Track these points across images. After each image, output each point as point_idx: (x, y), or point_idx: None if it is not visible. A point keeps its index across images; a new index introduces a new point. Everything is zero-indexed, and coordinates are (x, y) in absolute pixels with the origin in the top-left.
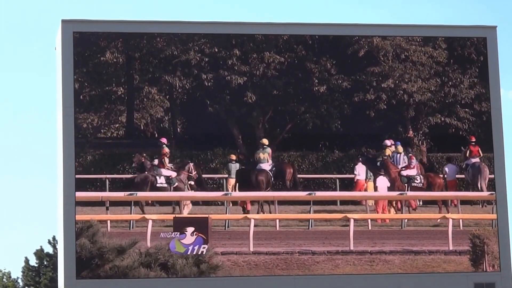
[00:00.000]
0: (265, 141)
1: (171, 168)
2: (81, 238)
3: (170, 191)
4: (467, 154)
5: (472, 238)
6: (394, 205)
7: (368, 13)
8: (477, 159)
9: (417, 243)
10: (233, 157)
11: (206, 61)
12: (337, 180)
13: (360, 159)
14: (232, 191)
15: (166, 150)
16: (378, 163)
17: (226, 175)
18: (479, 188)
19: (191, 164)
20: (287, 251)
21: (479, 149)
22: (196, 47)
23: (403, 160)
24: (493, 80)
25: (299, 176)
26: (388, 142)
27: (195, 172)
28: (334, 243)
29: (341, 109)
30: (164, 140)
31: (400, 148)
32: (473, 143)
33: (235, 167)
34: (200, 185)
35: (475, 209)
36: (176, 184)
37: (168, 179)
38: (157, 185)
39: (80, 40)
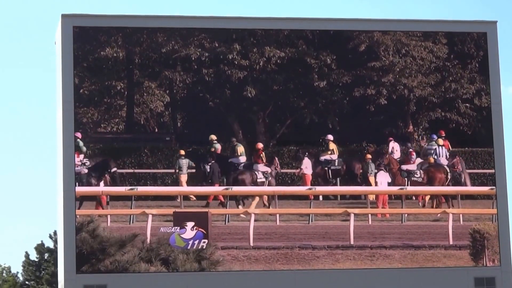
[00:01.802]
0: (213, 136)
1: (266, 163)
2: (82, 232)
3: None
4: None
5: (472, 233)
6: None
7: (369, 8)
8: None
9: (417, 237)
10: (182, 152)
11: (206, 56)
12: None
13: (306, 153)
14: (183, 186)
15: (261, 145)
16: (378, 162)
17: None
18: (465, 184)
19: (276, 158)
20: (287, 246)
21: (449, 143)
22: (196, 41)
23: (445, 153)
24: (493, 75)
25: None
26: (330, 136)
27: (279, 166)
28: (334, 238)
29: (341, 104)
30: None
31: (440, 141)
32: (443, 137)
33: (185, 162)
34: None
35: (475, 204)
36: (270, 178)
37: (264, 174)
38: (258, 180)
39: (80, 35)
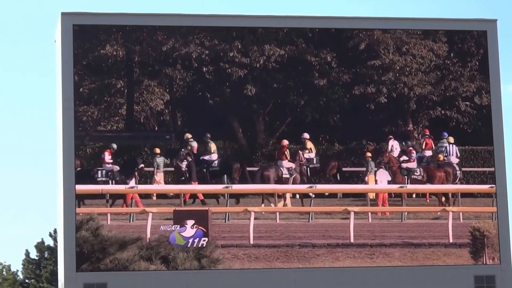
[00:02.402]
0: (188, 135)
1: (290, 160)
2: (81, 231)
3: (290, 182)
4: (423, 147)
5: (472, 231)
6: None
7: (369, 6)
8: (430, 152)
9: (417, 235)
10: (158, 150)
11: (206, 54)
12: (337, 174)
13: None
14: (161, 184)
15: (286, 142)
16: (378, 160)
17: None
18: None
19: (301, 153)
20: (288, 244)
21: (432, 142)
22: (196, 40)
23: (455, 151)
24: (493, 73)
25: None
26: (306, 135)
27: (305, 160)
28: (334, 236)
29: (341, 102)
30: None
31: (451, 139)
32: (427, 136)
33: (161, 161)
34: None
35: (475, 202)
36: (295, 175)
37: (289, 170)
38: (283, 176)
39: (79, 33)
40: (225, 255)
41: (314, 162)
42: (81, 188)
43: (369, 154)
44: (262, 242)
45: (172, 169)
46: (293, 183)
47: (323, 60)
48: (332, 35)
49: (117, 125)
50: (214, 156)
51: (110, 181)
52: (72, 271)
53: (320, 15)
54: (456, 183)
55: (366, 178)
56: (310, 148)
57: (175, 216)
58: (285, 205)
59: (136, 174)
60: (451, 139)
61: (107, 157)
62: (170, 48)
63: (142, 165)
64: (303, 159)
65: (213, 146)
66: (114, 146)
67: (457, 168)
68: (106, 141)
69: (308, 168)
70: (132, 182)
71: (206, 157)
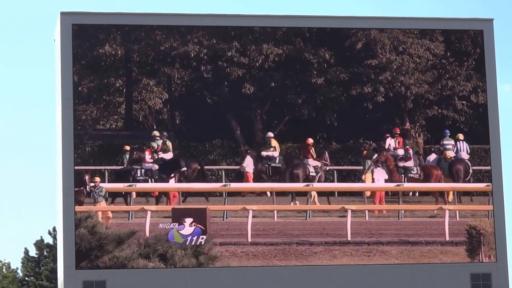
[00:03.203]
0: (156, 132)
1: (316, 158)
2: (80, 228)
3: (316, 181)
4: (396, 145)
5: (469, 229)
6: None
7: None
8: (402, 151)
9: (414, 234)
10: (127, 148)
11: (205, 53)
12: (335, 172)
13: (249, 151)
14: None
15: (311, 140)
16: (375, 157)
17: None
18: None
19: (327, 153)
20: (285, 242)
21: (403, 141)
22: (195, 39)
23: (466, 147)
24: (489, 72)
25: None
26: (270, 133)
27: (329, 161)
28: (331, 234)
29: (338, 101)
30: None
31: (461, 136)
32: (398, 134)
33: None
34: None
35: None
36: (320, 173)
37: (315, 168)
38: (310, 174)
39: (79, 32)
40: (223, 253)
41: (277, 161)
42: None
43: (366, 153)
44: (260, 240)
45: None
46: (318, 181)
47: (320, 59)
48: (329, 35)
49: (116, 124)
50: (169, 155)
51: (149, 180)
52: (72, 269)
53: (318, 15)
54: (469, 180)
55: (363, 177)
56: (275, 147)
57: (173, 214)
58: (312, 202)
59: (176, 176)
60: (461, 136)
61: (147, 156)
62: (168, 47)
63: (184, 169)
64: (327, 159)
65: (169, 144)
66: (154, 145)
67: (470, 165)
68: (105, 139)
69: (270, 167)
70: (172, 182)
71: (164, 155)
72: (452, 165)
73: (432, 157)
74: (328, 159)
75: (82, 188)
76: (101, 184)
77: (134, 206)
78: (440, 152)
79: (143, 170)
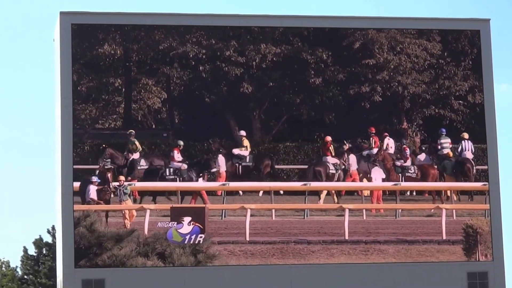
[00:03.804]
0: (133, 131)
1: (334, 156)
2: (79, 227)
3: (335, 179)
4: (372, 144)
5: (465, 228)
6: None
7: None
8: (376, 150)
9: (411, 232)
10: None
11: (203, 53)
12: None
13: (221, 150)
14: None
15: (329, 138)
16: (372, 158)
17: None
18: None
19: (346, 154)
20: (283, 241)
21: (378, 139)
22: (193, 39)
23: (471, 147)
24: (486, 72)
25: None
26: (243, 132)
27: (346, 159)
28: (329, 233)
29: (336, 101)
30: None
31: (466, 135)
32: (374, 134)
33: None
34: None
35: (466, 200)
36: (340, 171)
37: (335, 166)
38: (329, 172)
39: (78, 32)
40: (221, 252)
41: (247, 160)
42: (78, 185)
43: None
44: (258, 239)
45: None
46: (337, 180)
47: (318, 59)
48: (327, 35)
49: (115, 123)
50: (136, 155)
51: (178, 179)
52: (71, 267)
53: (316, 15)
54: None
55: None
56: (246, 146)
57: (172, 213)
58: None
59: (206, 175)
60: (466, 135)
61: (176, 155)
62: (167, 47)
63: (214, 169)
64: (346, 159)
65: (137, 144)
66: (181, 143)
67: (474, 164)
68: (104, 139)
69: (240, 166)
70: (200, 181)
71: (131, 155)
72: (462, 164)
73: (422, 156)
74: (347, 159)
75: (105, 185)
76: (126, 183)
77: (133, 205)
78: (430, 151)
79: (171, 169)
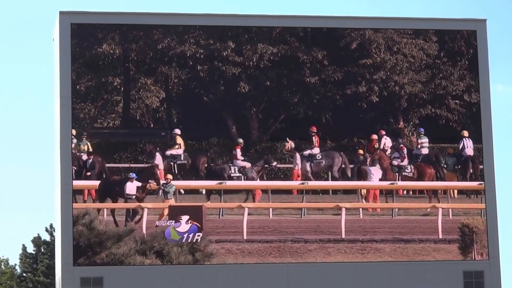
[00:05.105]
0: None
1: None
2: (78, 225)
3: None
4: (314, 144)
5: (461, 227)
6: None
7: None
8: (318, 150)
9: (407, 232)
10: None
11: (201, 53)
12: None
13: (158, 149)
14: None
15: (375, 136)
16: (370, 157)
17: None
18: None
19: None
20: (280, 239)
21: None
22: (191, 38)
23: (471, 144)
24: (482, 72)
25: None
26: (177, 130)
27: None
28: (326, 232)
29: (333, 100)
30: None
31: (465, 133)
32: (315, 133)
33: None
34: None
35: (465, 199)
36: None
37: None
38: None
39: (77, 32)
40: (219, 250)
41: (182, 158)
42: (78, 183)
43: (361, 151)
44: (255, 238)
45: None
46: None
47: (315, 58)
48: (324, 34)
49: (114, 122)
50: (85, 156)
51: (242, 177)
52: (69, 266)
53: (313, 15)
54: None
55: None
56: (180, 144)
57: (170, 212)
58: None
59: (266, 170)
60: (466, 133)
61: (239, 153)
62: (165, 47)
63: (275, 163)
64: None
65: (89, 145)
66: (241, 140)
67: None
68: (103, 138)
69: (176, 165)
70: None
71: (82, 156)
72: (470, 161)
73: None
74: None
75: (146, 183)
76: (173, 182)
77: (131, 204)
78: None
79: (236, 167)
